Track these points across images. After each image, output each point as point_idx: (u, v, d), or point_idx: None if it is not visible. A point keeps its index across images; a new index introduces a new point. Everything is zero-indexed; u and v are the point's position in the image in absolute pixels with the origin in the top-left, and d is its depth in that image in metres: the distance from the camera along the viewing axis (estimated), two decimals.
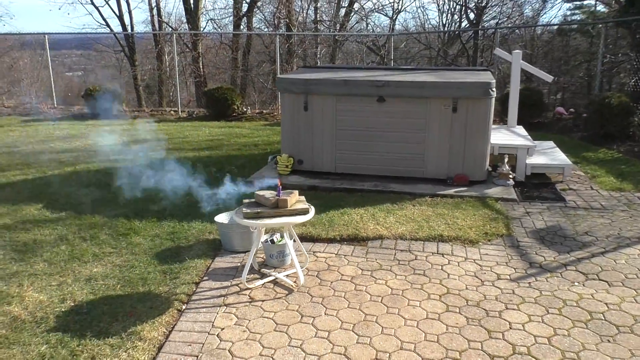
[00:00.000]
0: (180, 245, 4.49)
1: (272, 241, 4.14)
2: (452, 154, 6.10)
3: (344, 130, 6.35)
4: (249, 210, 3.65)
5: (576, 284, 3.80)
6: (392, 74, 6.76)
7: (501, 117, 10.02)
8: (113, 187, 6.17)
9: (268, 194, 3.77)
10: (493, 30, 17.23)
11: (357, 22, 21.47)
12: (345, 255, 4.31)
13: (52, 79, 13.41)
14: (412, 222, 4.97)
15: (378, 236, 4.66)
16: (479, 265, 4.12)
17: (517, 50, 7.62)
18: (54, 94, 13.30)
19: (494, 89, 5.91)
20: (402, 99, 6.12)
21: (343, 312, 3.42)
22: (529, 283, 3.81)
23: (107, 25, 22.92)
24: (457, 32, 19.33)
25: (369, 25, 21.44)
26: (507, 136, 6.91)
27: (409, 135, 6.18)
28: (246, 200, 3.86)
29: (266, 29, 20.94)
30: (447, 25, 20.57)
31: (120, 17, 22.50)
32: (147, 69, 22.50)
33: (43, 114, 12.14)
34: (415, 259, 4.23)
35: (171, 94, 20.10)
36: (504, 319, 3.33)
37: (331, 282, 3.84)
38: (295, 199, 3.82)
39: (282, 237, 4.10)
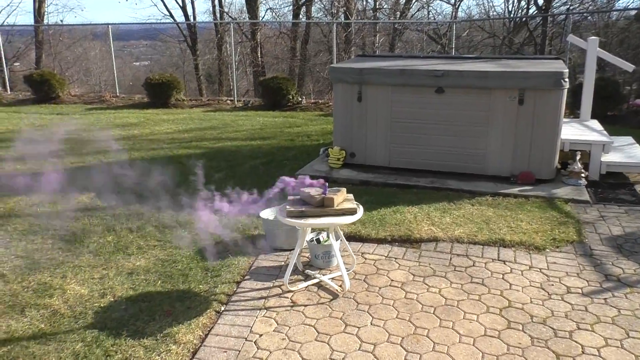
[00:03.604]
0: (224, 240, 4.33)
1: (318, 240, 3.91)
2: (517, 149, 5.63)
3: (400, 122, 6.01)
4: (292, 209, 3.42)
5: None
6: (452, 63, 6.32)
7: (571, 110, 9.30)
8: (164, 176, 6.13)
9: (314, 191, 3.53)
10: (564, 16, 16.15)
11: (418, 10, 20.84)
12: (395, 258, 4.01)
13: (114, 69, 13.77)
14: (471, 223, 4.59)
15: (432, 238, 4.32)
16: (546, 275, 3.71)
17: (592, 37, 6.96)
18: (116, 84, 13.65)
19: (567, 79, 5.39)
20: (463, 90, 5.70)
21: (391, 322, 3.14)
22: (605, 299, 3.38)
23: (171, 15, 23.49)
24: (524, 19, 18.30)
25: (430, 12, 20.74)
26: (580, 131, 6.33)
27: (470, 129, 5.76)
28: (290, 197, 3.63)
29: (325, 18, 20.70)
30: (513, 12, 19.53)
31: (184, 8, 22.97)
32: (206, 59, 22.83)
33: (106, 103, 12.48)
34: (473, 266, 3.87)
35: (230, 83, 20.29)
36: (575, 341, 2.93)
37: (379, 288, 3.56)
38: (343, 197, 3.55)
39: (328, 236, 3.86)
